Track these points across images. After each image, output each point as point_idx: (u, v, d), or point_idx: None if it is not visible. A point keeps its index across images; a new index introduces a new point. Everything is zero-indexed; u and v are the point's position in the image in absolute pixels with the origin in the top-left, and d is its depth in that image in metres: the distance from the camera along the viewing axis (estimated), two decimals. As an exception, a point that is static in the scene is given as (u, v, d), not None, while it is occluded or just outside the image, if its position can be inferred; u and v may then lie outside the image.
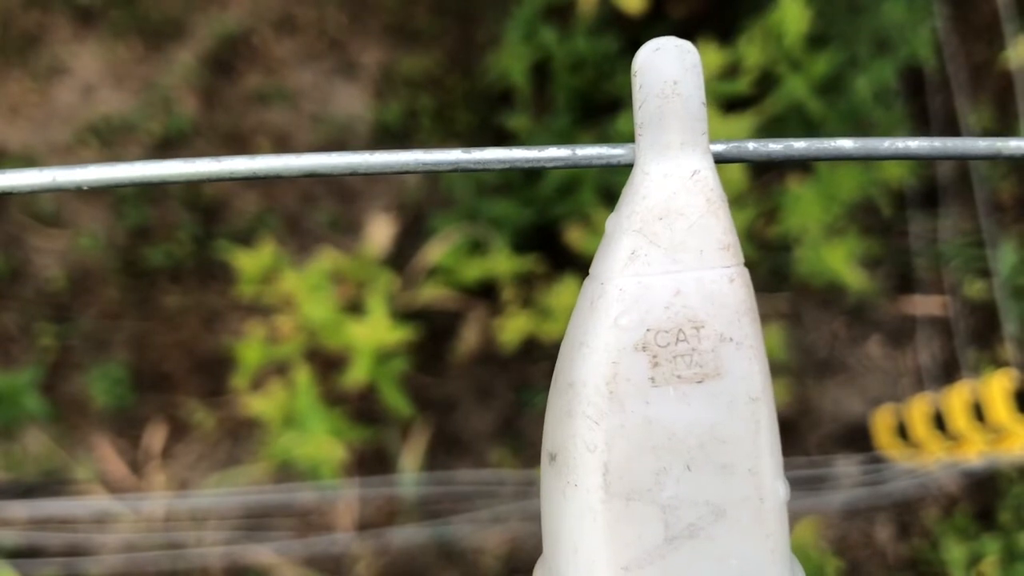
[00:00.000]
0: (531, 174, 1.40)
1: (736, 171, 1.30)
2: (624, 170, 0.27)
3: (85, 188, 0.24)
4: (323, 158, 0.25)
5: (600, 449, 0.26)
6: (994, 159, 0.27)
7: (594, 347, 0.26)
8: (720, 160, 0.27)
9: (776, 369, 1.50)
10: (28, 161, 1.50)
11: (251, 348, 1.34)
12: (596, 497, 0.26)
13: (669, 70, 0.26)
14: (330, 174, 0.25)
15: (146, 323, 1.48)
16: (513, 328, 1.39)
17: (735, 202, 1.34)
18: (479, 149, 0.26)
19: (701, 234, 0.26)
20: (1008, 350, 1.52)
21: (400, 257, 1.47)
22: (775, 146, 0.27)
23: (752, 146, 0.27)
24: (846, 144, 0.27)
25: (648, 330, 0.26)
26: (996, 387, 1.36)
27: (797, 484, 1.45)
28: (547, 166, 0.27)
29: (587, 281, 0.27)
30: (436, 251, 1.41)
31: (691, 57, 0.26)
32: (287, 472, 1.40)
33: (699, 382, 0.26)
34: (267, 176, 0.25)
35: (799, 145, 0.27)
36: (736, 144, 0.27)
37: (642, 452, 0.26)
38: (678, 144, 0.26)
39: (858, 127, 1.38)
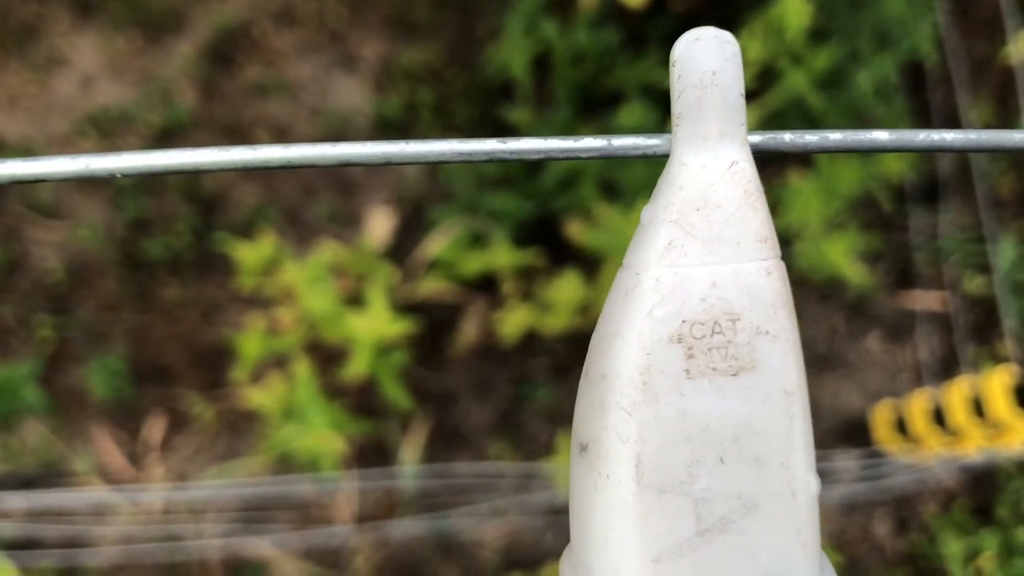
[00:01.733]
0: (532, 167, 1.40)
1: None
2: (629, 163, 0.27)
3: (119, 176, 0.24)
4: (358, 147, 0.25)
5: (633, 440, 0.26)
6: (1030, 152, 0.27)
7: (628, 338, 0.26)
8: (757, 152, 0.27)
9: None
10: (26, 152, 1.49)
11: (251, 340, 1.33)
12: (628, 488, 0.26)
13: (708, 60, 0.26)
14: (366, 163, 0.25)
15: (145, 315, 1.48)
16: (513, 322, 1.38)
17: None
18: (515, 139, 0.26)
19: (739, 226, 0.26)
20: (1007, 346, 1.52)
21: (400, 250, 1.47)
22: (811, 138, 0.27)
23: (788, 137, 0.27)
24: (882, 136, 0.27)
25: (683, 322, 0.26)
26: (995, 382, 1.36)
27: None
28: (583, 156, 0.26)
29: (621, 271, 0.27)
30: (436, 244, 1.41)
31: (730, 47, 0.26)
32: (286, 464, 1.40)
33: (734, 375, 0.26)
34: (300, 165, 0.25)
35: (835, 137, 0.27)
36: (772, 135, 0.27)
37: (675, 444, 0.26)
38: (716, 135, 0.26)
39: (859, 122, 1.38)
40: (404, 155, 0.25)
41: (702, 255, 0.26)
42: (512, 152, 0.26)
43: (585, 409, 0.28)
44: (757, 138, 0.27)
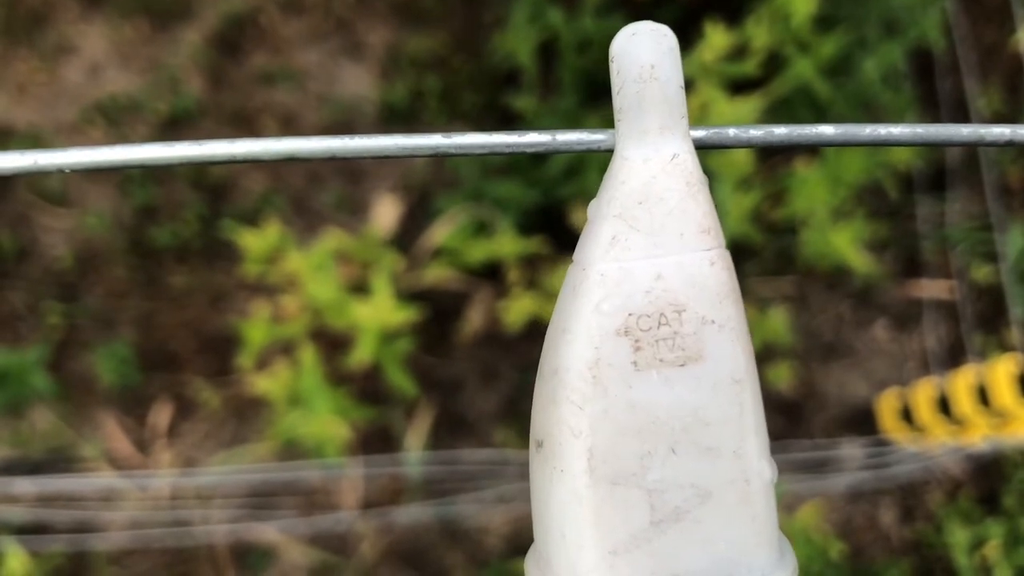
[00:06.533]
0: (537, 155, 1.40)
1: (743, 153, 1.29)
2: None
3: (67, 171, 0.24)
4: (302, 142, 0.25)
5: (585, 434, 0.26)
6: (976, 146, 0.27)
7: (576, 333, 0.26)
8: (700, 146, 0.27)
9: (781, 352, 1.50)
10: (35, 140, 1.50)
11: (256, 328, 1.34)
12: (582, 482, 0.26)
13: (646, 55, 0.26)
14: (311, 158, 0.25)
15: (152, 302, 1.48)
16: (518, 309, 1.39)
17: (741, 185, 1.34)
18: (460, 134, 0.26)
19: (681, 218, 0.26)
20: (1014, 334, 1.52)
21: (405, 238, 1.47)
22: (756, 132, 0.27)
23: (732, 132, 0.27)
24: (827, 130, 0.27)
25: (630, 315, 0.26)
26: (1001, 371, 1.36)
27: (801, 467, 1.45)
28: (527, 151, 0.27)
29: (570, 267, 0.27)
30: (441, 232, 1.41)
31: (668, 41, 0.26)
32: (292, 451, 1.41)
33: (682, 365, 0.26)
34: (245, 160, 0.25)
35: (780, 131, 0.27)
36: (716, 130, 0.27)
37: (626, 436, 0.26)
38: (657, 129, 0.26)
39: (866, 110, 1.37)
40: (347, 149, 0.25)
41: (646, 248, 0.26)
42: (457, 147, 0.26)
43: (539, 405, 0.28)
44: (701, 132, 0.27)
